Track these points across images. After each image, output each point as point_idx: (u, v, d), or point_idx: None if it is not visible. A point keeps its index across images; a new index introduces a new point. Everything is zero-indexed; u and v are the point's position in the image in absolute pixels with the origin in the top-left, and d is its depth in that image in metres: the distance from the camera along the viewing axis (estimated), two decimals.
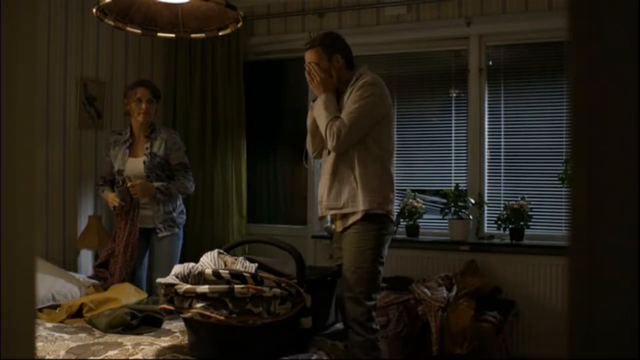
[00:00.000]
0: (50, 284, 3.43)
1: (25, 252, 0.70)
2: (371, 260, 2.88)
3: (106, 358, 2.55)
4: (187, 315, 2.45)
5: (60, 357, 2.58)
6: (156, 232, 3.80)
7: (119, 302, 3.21)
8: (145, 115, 3.77)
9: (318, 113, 2.97)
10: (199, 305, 2.40)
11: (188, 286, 2.45)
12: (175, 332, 2.93)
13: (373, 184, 2.89)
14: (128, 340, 2.76)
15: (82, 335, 2.89)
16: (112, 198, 3.77)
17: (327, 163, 3.01)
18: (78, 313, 3.18)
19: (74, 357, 2.57)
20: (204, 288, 2.41)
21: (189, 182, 3.88)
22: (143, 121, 3.80)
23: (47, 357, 2.58)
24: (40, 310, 3.27)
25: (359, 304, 2.85)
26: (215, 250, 2.86)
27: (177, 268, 2.62)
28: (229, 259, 2.79)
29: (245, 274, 2.46)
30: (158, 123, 4.08)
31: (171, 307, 2.48)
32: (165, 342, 2.76)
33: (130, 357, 2.56)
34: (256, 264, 2.76)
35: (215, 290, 2.40)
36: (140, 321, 2.99)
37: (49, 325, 3.06)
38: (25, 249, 0.70)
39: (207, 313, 2.39)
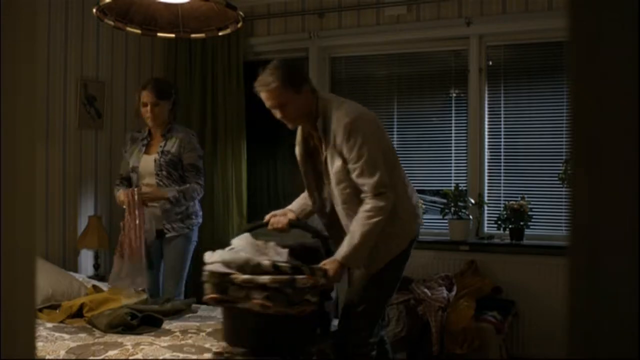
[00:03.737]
0: (50, 284, 3.43)
1: (25, 252, 0.70)
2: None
3: (106, 358, 2.55)
4: (245, 305, 2.39)
5: (60, 357, 2.58)
6: (165, 232, 3.72)
7: (119, 302, 3.21)
8: (151, 119, 3.73)
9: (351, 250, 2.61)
10: (258, 295, 2.37)
11: (247, 276, 2.39)
12: (175, 332, 2.93)
13: None
14: (128, 340, 2.76)
15: (82, 335, 2.89)
16: (122, 196, 3.64)
17: (336, 195, 2.73)
18: (78, 313, 3.18)
19: (74, 357, 2.57)
20: (264, 278, 2.37)
21: (197, 186, 3.76)
22: (152, 124, 3.76)
23: (47, 357, 2.58)
24: (40, 310, 3.27)
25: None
26: (248, 234, 2.78)
27: (224, 255, 2.51)
28: (260, 242, 2.74)
29: (302, 267, 2.45)
30: (178, 123, 4.00)
31: (224, 297, 2.41)
32: (165, 342, 2.76)
33: (130, 357, 2.56)
34: (287, 250, 2.71)
35: (276, 281, 2.37)
36: (140, 321, 2.99)
37: (49, 325, 3.06)
38: (25, 249, 0.70)
39: (269, 304, 2.36)
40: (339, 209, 2.73)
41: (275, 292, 2.37)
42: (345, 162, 2.59)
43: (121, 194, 3.66)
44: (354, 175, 2.57)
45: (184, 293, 3.82)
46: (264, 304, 2.36)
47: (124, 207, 3.63)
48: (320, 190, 2.82)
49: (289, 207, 2.95)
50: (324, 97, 2.70)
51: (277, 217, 2.87)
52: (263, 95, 2.67)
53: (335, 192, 2.68)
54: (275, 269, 2.42)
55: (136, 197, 3.56)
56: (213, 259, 2.51)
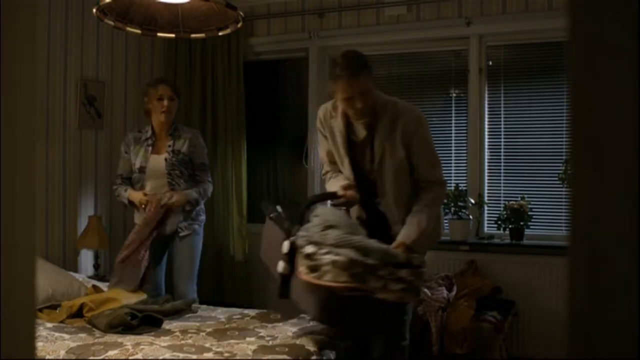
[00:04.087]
0: (50, 284, 3.43)
1: (25, 252, 0.70)
2: None
3: (106, 358, 2.55)
4: (382, 296, 2.40)
5: (60, 357, 2.58)
6: (177, 231, 3.75)
7: (119, 302, 3.21)
8: (167, 114, 3.73)
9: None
10: (395, 287, 2.39)
11: (391, 268, 2.40)
12: (175, 332, 2.93)
13: None
14: (128, 340, 2.76)
15: (82, 335, 2.89)
16: (139, 196, 3.69)
17: (388, 185, 2.80)
18: (78, 313, 3.18)
19: (74, 357, 2.57)
20: (404, 272, 2.39)
21: (209, 184, 3.87)
22: (165, 120, 3.75)
23: (47, 357, 2.58)
24: (40, 310, 3.27)
25: None
26: (336, 209, 2.78)
27: (355, 241, 2.46)
28: (347, 218, 2.76)
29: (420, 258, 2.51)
30: (180, 122, 4.03)
31: (363, 286, 2.38)
32: (165, 342, 2.76)
33: (130, 357, 2.56)
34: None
35: (412, 274, 2.41)
36: (140, 321, 2.99)
37: (49, 325, 3.05)
38: (25, 249, 0.70)
39: (406, 295, 2.41)
40: (388, 199, 2.78)
41: (409, 284, 2.39)
42: (408, 154, 2.70)
43: (138, 195, 3.68)
44: (423, 166, 2.71)
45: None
46: (402, 295, 2.39)
47: (142, 207, 3.66)
48: (359, 183, 2.82)
49: (344, 183, 2.88)
50: (377, 91, 2.78)
51: (351, 192, 2.80)
52: (345, 83, 2.61)
53: (389, 182, 2.74)
54: (408, 261, 2.44)
55: (159, 208, 3.61)
56: (332, 242, 2.44)
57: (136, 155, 3.79)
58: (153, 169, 3.74)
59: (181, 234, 3.76)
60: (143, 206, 3.66)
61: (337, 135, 2.83)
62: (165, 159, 3.74)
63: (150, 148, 3.78)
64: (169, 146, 3.76)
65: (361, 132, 2.77)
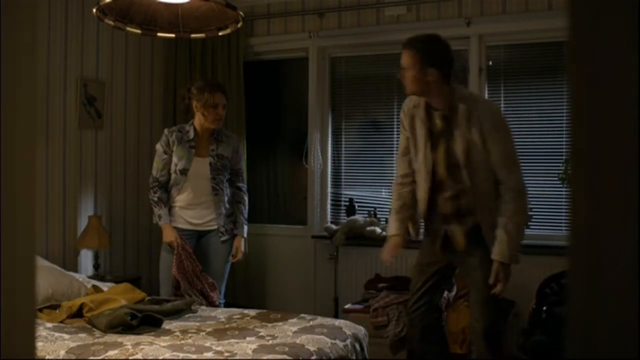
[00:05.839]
0: (51, 284, 3.43)
1: (25, 252, 0.70)
2: None
3: (106, 358, 2.55)
4: None
5: (60, 357, 2.58)
6: (219, 235, 3.78)
7: (119, 302, 3.21)
8: (219, 122, 3.71)
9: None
10: None
11: None
12: (175, 332, 2.93)
13: None
14: (128, 340, 2.76)
15: (82, 335, 2.89)
16: (170, 233, 3.70)
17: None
18: (78, 313, 3.18)
19: (74, 357, 2.57)
20: None
21: (246, 193, 3.95)
22: (216, 127, 3.72)
23: (47, 357, 2.58)
24: (40, 310, 3.27)
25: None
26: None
27: None
28: None
29: None
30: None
31: None
32: (165, 342, 2.76)
33: (130, 357, 2.56)
34: None
35: None
36: (140, 321, 2.99)
37: (49, 325, 3.05)
38: (25, 249, 0.70)
39: None
40: (469, 198, 2.85)
41: None
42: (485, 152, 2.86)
43: (172, 235, 3.69)
44: (498, 167, 2.91)
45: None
46: None
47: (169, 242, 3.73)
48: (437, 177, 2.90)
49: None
50: (462, 88, 3.09)
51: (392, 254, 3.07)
52: None
53: (469, 178, 2.82)
54: None
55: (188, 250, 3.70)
56: None
57: (179, 156, 3.70)
58: (196, 172, 3.70)
59: (222, 238, 3.79)
60: (168, 244, 3.73)
61: (418, 125, 2.94)
62: (210, 163, 3.71)
63: (193, 150, 3.71)
64: (213, 150, 3.74)
65: (438, 123, 2.86)
